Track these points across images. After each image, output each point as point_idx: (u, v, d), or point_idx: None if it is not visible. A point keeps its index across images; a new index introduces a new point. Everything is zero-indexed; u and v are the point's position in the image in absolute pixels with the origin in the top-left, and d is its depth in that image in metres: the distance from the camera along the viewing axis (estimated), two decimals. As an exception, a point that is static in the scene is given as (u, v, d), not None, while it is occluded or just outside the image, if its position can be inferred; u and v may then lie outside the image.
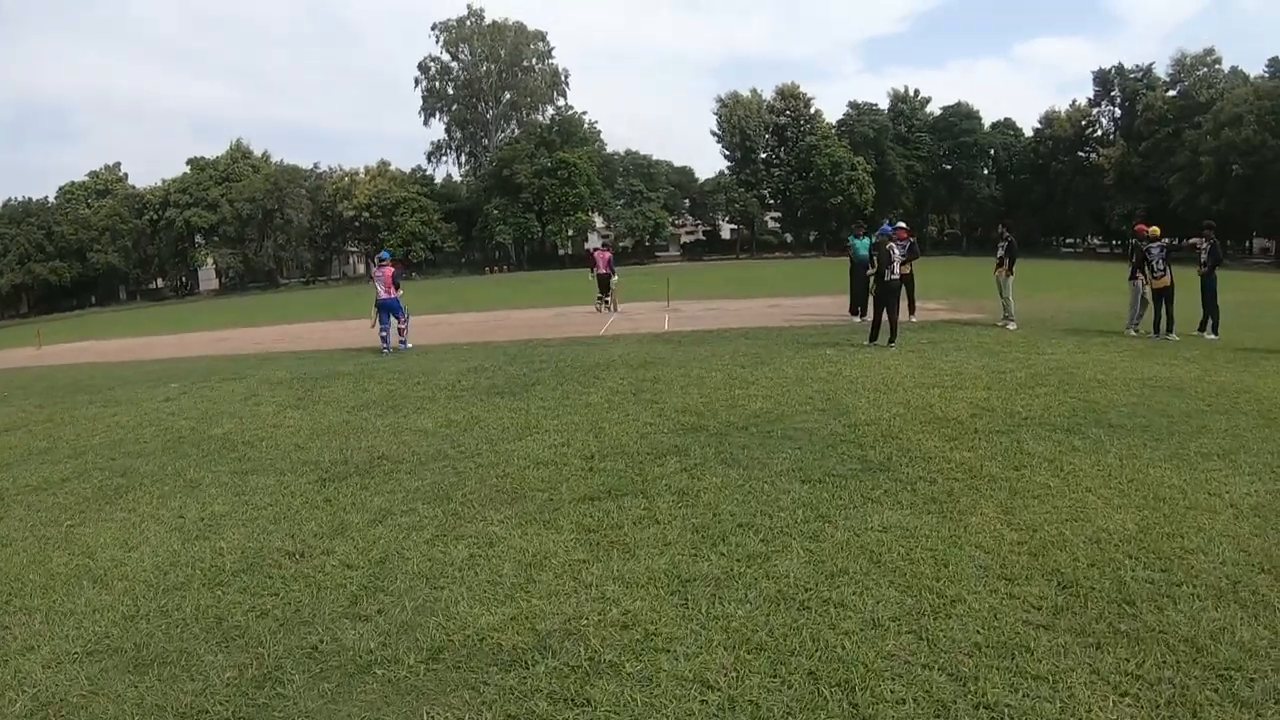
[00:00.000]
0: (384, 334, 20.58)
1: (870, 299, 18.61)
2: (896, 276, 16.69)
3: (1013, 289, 19.44)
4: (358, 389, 14.45)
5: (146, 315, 61.65)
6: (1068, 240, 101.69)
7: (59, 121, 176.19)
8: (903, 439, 8.97)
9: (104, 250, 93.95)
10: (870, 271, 17.85)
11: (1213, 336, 16.88)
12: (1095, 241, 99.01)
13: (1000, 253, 19.68)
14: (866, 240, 21.06)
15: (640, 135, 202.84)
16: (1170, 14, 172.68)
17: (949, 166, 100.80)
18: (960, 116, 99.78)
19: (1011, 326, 18.86)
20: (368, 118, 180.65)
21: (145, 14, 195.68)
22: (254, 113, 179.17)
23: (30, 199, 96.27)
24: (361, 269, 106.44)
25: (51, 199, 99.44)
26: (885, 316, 16.17)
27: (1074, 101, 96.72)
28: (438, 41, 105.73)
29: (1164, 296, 17.22)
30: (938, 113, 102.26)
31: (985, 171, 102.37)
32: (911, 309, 21.00)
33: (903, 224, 20.88)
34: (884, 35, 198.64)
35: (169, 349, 26.67)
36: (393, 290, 20.47)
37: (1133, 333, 17.84)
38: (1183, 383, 11.75)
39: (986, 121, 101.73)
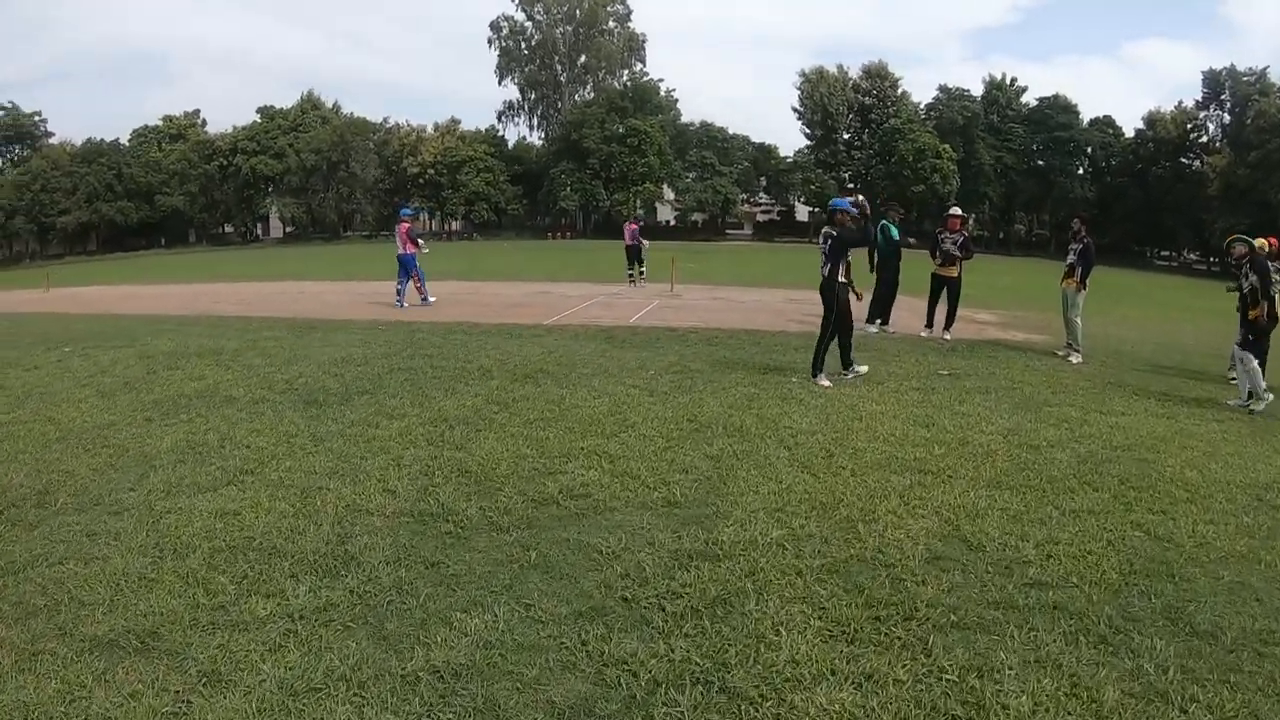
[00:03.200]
0: (399, 288, 21.10)
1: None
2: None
3: (1083, 308, 14.72)
4: (168, 376, 11.80)
5: (193, 260, 63.75)
6: (1162, 252, 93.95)
7: (155, 67, 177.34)
8: (754, 620, 4.72)
9: (171, 193, 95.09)
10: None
11: None
12: (1192, 256, 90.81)
13: (1071, 258, 14.77)
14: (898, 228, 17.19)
15: (725, 111, 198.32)
16: None
17: (1041, 162, 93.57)
18: (1057, 109, 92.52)
19: (1075, 359, 14.24)
20: (447, 74, 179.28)
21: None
22: (334, 64, 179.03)
23: (103, 140, 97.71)
24: (431, 226, 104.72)
25: (125, 141, 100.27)
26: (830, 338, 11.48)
27: (1179, 103, 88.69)
28: (513, 1, 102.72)
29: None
30: (1033, 104, 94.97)
31: (1080, 170, 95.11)
32: (948, 323, 16.16)
33: (957, 210, 16.97)
34: (993, 25, 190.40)
35: (151, 302, 25.22)
36: (409, 246, 20.76)
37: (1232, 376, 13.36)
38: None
39: (1085, 118, 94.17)
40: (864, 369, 11.78)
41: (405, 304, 20.77)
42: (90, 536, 5.96)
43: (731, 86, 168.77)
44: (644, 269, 27.70)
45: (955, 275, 15.81)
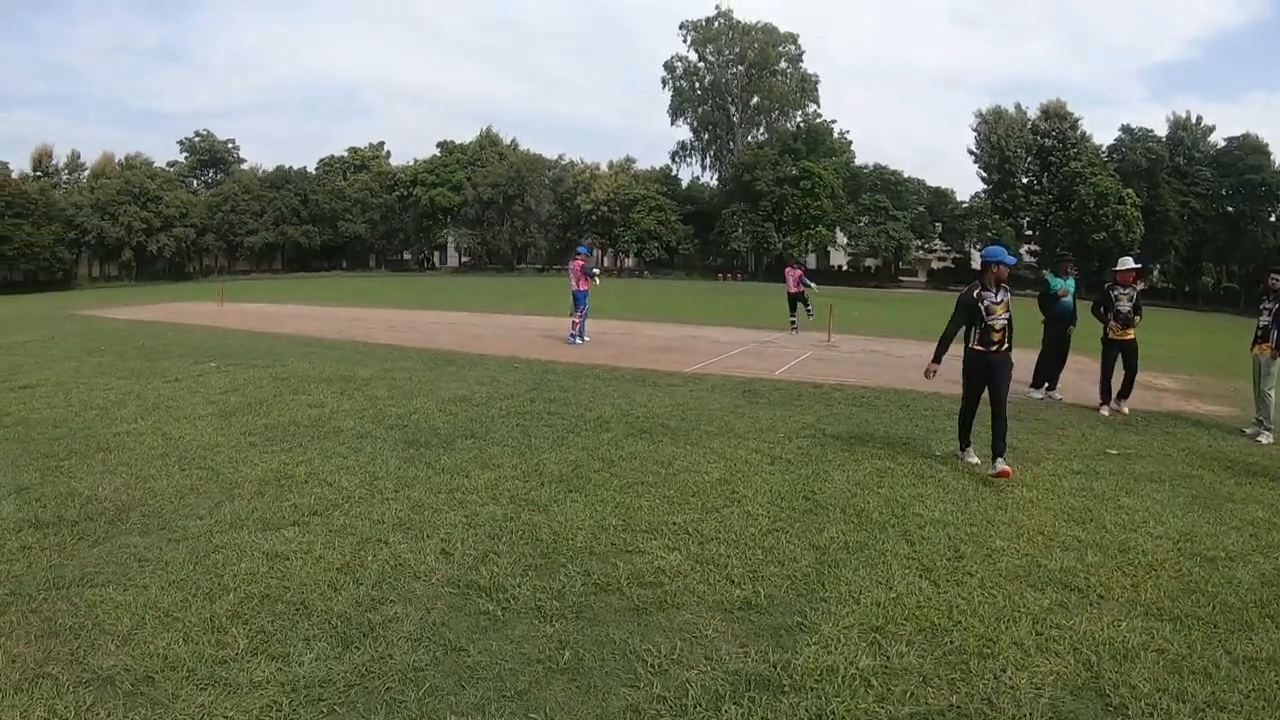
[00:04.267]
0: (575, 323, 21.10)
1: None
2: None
3: (1278, 378, 12.62)
4: (291, 401, 12.00)
5: (367, 284, 65.44)
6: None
7: (345, 100, 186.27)
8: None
9: (353, 220, 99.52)
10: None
11: None
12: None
13: (1265, 319, 12.59)
14: (1074, 281, 15.37)
15: (900, 154, 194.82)
16: None
17: (1230, 208, 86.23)
18: (1247, 150, 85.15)
19: (1265, 439, 12.20)
20: (622, 113, 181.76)
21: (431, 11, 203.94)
22: (512, 100, 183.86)
23: (290, 167, 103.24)
24: (604, 263, 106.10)
25: (311, 169, 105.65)
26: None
27: None
28: (685, 40, 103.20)
29: None
30: (1221, 144, 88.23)
31: (1272, 217, 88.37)
32: (1126, 391, 13.93)
33: (1130, 261, 14.08)
34: (1172, 61, 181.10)
35: (309, 323, 26.41)
36: (583, 283, 20.78)
37: None
38: None
39: (1278, 159, 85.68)
40: (974, 460, 9.62)
41: (581, 339, 20.84)
42: (141, 562, 5.93)
43: (907, 129, 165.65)
44: (811, 311, 26.70)
45: (1132, 338, 13.78)
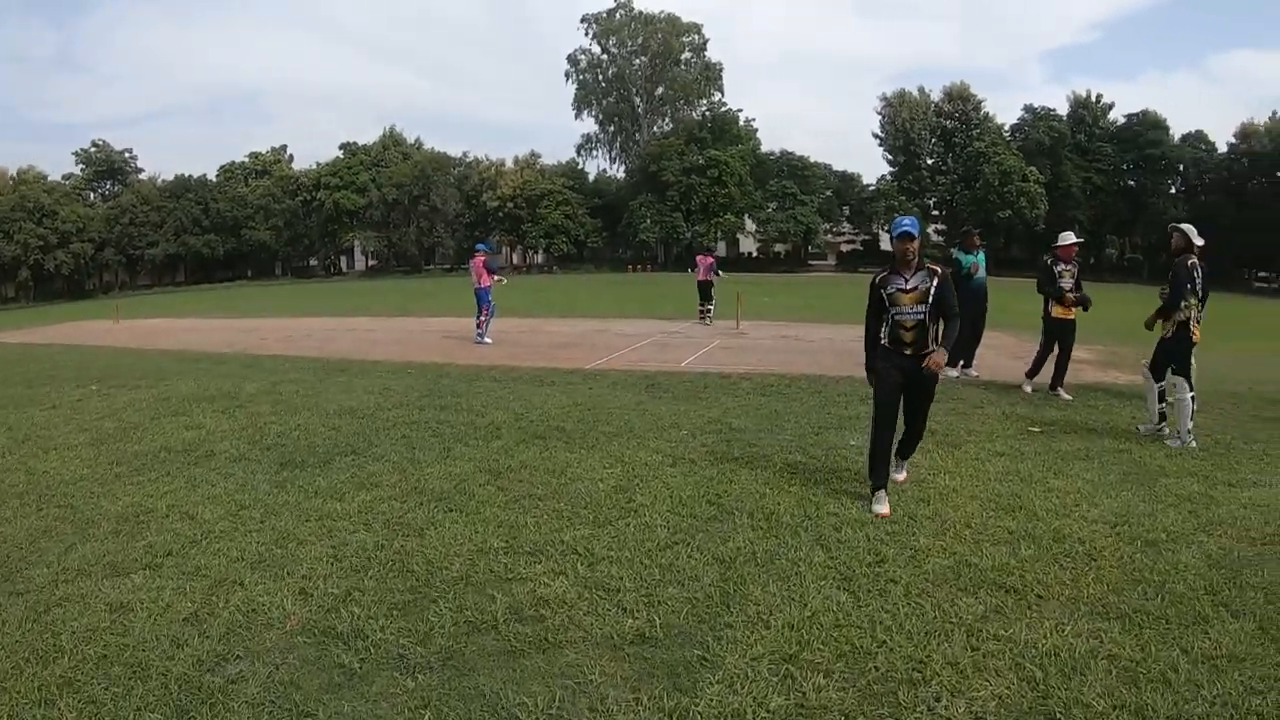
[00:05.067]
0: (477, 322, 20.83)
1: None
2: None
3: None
4: (168, 425, 11.14)
5: (271, 293, 65.25)
6: (1260, 273, 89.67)
7: (246, 105, 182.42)
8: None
9: (257, 228, 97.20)
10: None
11: None
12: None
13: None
14: (984, 256, 15.02)
15: (806, 139, 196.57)
16: None
17: (1132, 182, 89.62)
18: (1146, 126, 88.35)
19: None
20: (526, 108, 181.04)
21: (333, 10, 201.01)
22: (416, 100, 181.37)
23: (190, 176, 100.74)
24: (512, 260, 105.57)
25: (212, 177, 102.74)
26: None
27: (1274, 114, 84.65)
28: (587, 34, 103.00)
29: None
30: (1121, 121, 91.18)
31: (1172, 189, 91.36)
32: (1060, 378, 13.17)
33: (1072, 236, 13.41)
34: (1073, 44, 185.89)
35: (203, 337, 25.44)
36: (483, 280, 20.44)
37: None
38: None
39: (1176, 134, 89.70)
40: (885, 510, 7.33)
41: (484, 339, 20.52)
42: None
43: (813, 114, 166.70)
44: (711, 306, 26.22)
45: (1073, 318, 13.17)
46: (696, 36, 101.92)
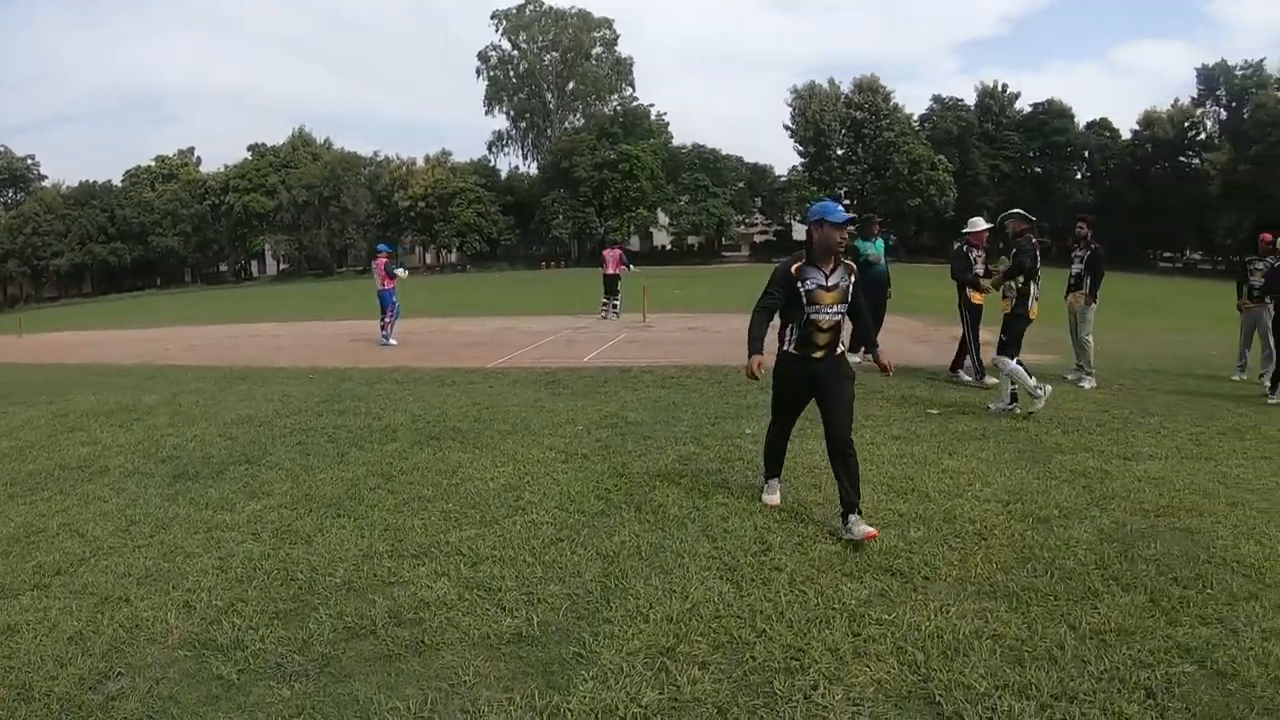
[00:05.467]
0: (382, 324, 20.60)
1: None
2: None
3: (1094, 324, 12.98)
4: (64, 441, 10.84)
5: (181, 301, 62.56)
6: (1165, 254, 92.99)
7: (152, 107, 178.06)
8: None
9: (165, 234, 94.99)
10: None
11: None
12: (1196, 256, 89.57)
13: (1077, 267, 12.99)
14: (882, 243, 15.35)
15: (720, 133, 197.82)
16: (1272, 19, 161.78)
17: (1039, 169, 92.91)
18: (1052, 114, 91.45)
19: (1087, 384, 12.57)
20: (443, 106, 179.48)
21: (239, 9, 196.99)
22: (325, 99, 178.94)
23: (95, 182, 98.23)
24: (426, 259, 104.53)
25: (118, 182, 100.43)
26: None
27: (1175, 101, 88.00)
28: (498, 30, 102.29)
29: None
30: (1027, 110, 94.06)
31: (1078, 175, 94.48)
32: (960, 362, 13.48)
33: (983, 222, 13.43)
34: (983, 37, 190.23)
35: (108, 350, 24.29)
36: (387, 282, 20.25)
37: (1239, 377, 13.28)
38: None
39: (1081, 121, 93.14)
40: (775, 499, 7.12)
41: (393, 340, 20.40)
42: None
43: (726, 108, 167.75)
44: (618, 301, 26.25)
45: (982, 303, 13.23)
46: (607, 31, 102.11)
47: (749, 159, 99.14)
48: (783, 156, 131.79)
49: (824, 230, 6.26)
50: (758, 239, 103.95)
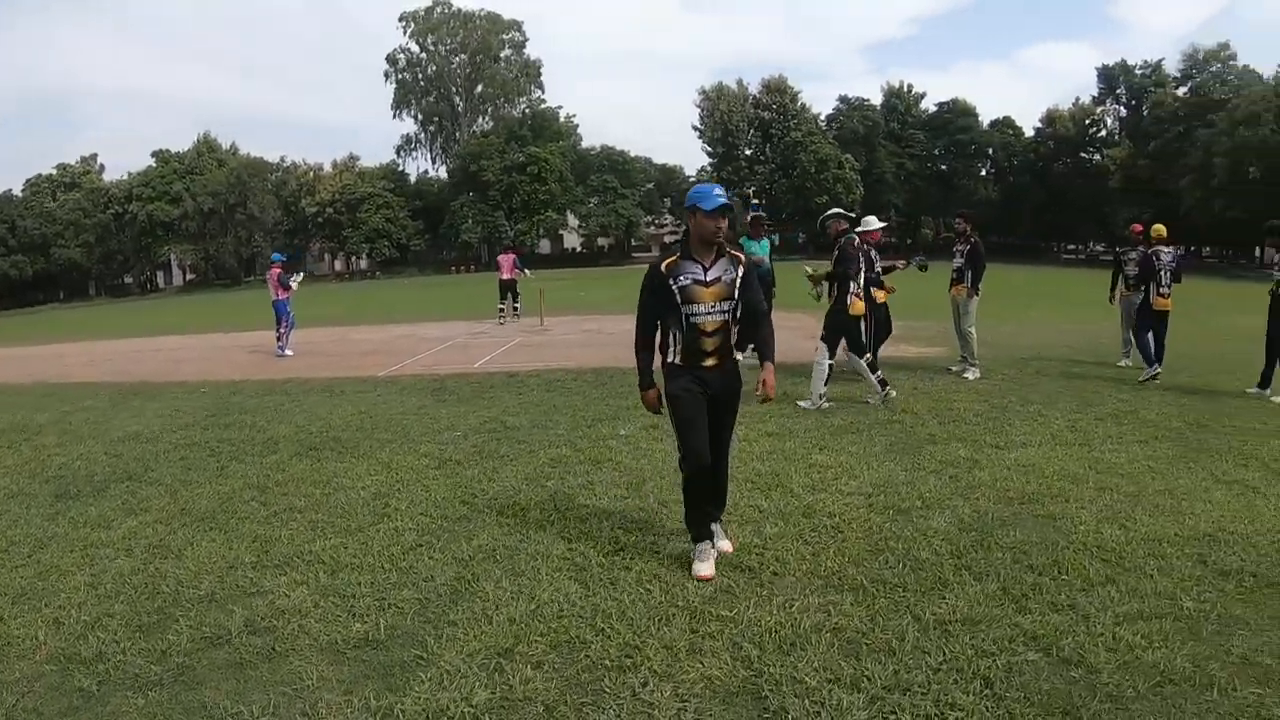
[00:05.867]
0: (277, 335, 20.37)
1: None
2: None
3: (976, 316, 13.40)
4: None
5: (83, 315, 61.22)
6: (1068, 246, 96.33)
7: (54, 113, 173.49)
8: None
9: (67, 245, 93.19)
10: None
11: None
12: (1098, 248, 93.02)
13: (958, 261, 13.45)
14: (768, 244, 15.43)
15: (633, 135, 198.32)
16: (1177, 21, 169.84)
17: (944, 166, 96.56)
18: (957, 113, 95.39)
19: (971, 374, 13.06)
20: (352, 109, 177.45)
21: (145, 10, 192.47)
22: (232, 102, 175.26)
23: None
24: (335, 266, 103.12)
25: (17, 192, 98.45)
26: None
27: (1077, 99, 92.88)
28: (406, 32, 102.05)
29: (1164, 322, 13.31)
30: (933, 109, 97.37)
31: (983, 172, 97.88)
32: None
33: (876, 221, 13.26)
34: (891, 38, 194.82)
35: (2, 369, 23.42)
36: (280, 292, 20.02)
37: (1125, 363, 13.99)
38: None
39: (985, 120, 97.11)
40: (707, 570, 7.65)
41: (289, 351, 20.22)
42: None
43: (639, 109, 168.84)
44: (516, 305, 26.38)
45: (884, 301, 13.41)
46: (516, 34, 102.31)
47: (661, 160, 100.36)
48: (695, 158, 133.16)
49: (697, 219, 5.47)
50: (668, 239, 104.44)
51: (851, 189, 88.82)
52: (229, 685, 4.63)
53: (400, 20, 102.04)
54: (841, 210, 11.81)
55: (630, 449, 8.95)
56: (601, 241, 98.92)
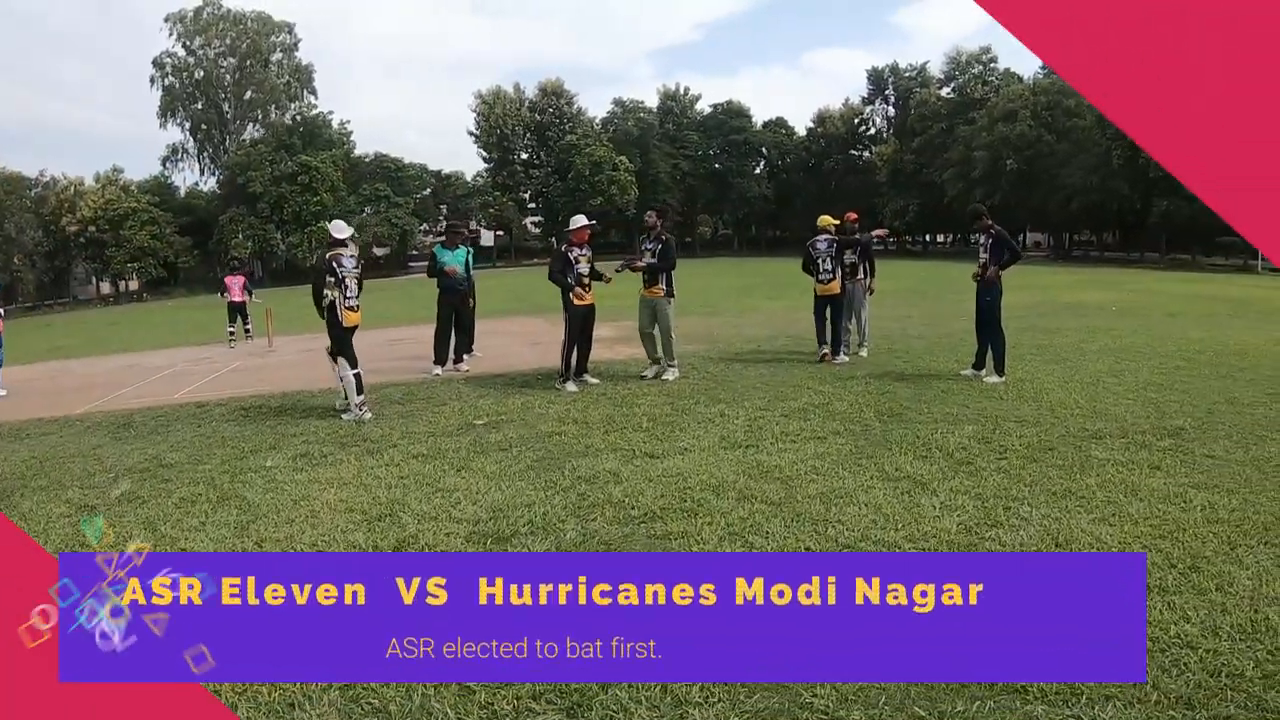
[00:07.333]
0: None
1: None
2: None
3: (674, 316, 13.80)
4: None
5: None
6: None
7: None
8: None
9: None
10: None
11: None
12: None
13: (649, 259, 13.72)
14: (463, 252, 15.92)
15: (426, 141, 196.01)
16: (951, 30, 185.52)
17: (719, 165, 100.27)
18: (731, 114, 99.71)
19: (671, 375, 13.46)
20: (123, 117, 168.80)
21: None
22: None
23: None
24: (103, 289, 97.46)
25: None
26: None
27: (846, 100, 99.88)
28: (172, 35, 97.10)
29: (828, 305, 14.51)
30: (707, 111, 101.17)
31: (757, 170, 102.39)
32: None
33: (584, 219, 13.81)
34: (678, 44, 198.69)
35: None
36: None
37: (843, 358, 14.69)
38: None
39: (759, 121, 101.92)
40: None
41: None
42: None
43: (423, 115, 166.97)
44: (249, 325, 25.91)
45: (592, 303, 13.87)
46: (287, 36, 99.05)
47: (450, 166, 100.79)
48: (473, 163, 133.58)
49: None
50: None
51: (626, 190, 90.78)
52: None
53: (166, 21, 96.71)
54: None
55: (265, 482, 8.83)
56: (378, 251, 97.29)
